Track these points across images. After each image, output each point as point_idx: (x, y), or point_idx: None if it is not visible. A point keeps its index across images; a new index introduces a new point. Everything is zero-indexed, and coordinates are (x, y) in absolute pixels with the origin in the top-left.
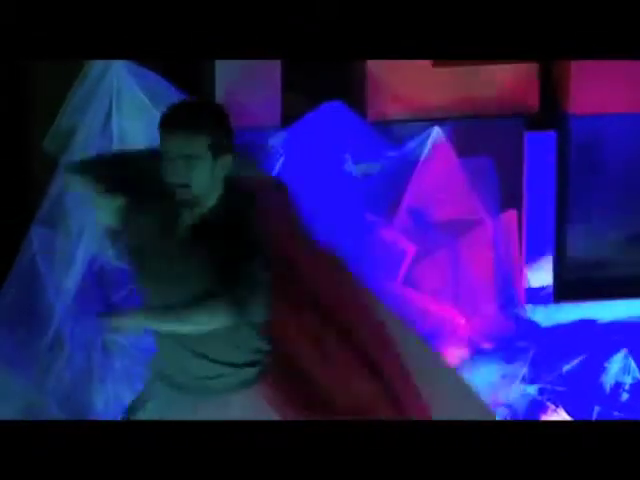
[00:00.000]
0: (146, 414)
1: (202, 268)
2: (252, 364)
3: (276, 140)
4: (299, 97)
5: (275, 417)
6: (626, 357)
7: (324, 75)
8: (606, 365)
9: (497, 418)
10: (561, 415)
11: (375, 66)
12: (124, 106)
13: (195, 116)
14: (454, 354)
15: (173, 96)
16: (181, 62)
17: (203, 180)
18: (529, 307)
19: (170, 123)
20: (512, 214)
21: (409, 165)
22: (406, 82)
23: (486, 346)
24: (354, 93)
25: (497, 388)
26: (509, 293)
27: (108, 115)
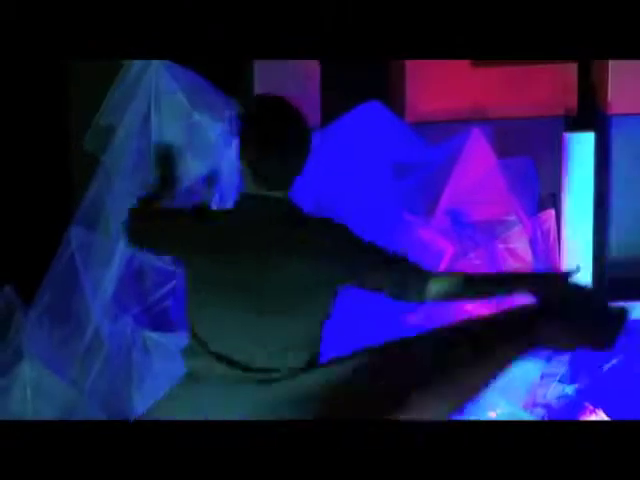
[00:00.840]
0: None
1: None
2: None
3: (315, 140)
4: (338, 97)
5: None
6: None
7: (363, 75)
8: None
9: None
10: (599, 416)
11: (414, 66)
12: (163, 106)
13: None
14: None
15: (212, 96)
16: (220, 62)
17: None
18: None
19: (285, 115)
20: (550, 214)
21: (448, 165)
22: (445, 82)
23: None
24: (393, 93)
25: (535, 388)
26: None
27: (147, 115)
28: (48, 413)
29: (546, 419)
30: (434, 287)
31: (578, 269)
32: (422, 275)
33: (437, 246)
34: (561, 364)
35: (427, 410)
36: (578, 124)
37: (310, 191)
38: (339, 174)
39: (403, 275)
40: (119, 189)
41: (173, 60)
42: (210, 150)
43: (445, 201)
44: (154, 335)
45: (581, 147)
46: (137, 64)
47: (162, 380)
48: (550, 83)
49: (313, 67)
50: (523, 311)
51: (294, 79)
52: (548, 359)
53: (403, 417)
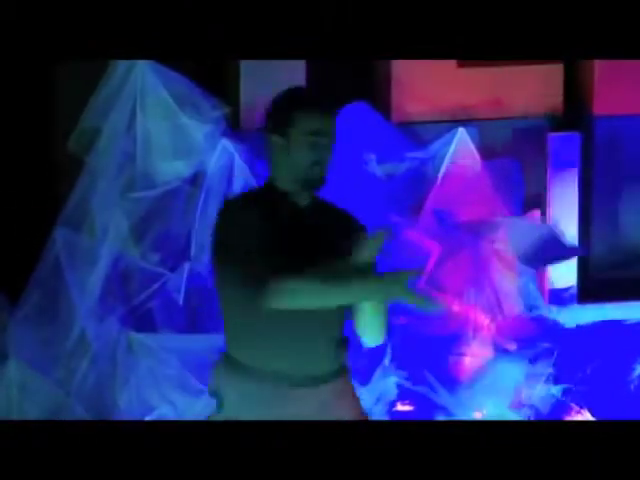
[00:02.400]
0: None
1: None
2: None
3: None
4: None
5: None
6: None
7: (348, 76)
8: (634, 366)
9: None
10: (585, 416)
11: (399, 67)
12: (148, 106)
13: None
14: (478, 355)
15: (197, 96)
16: (206, 62)
17: (329, 162)
18: (553, 308)
19: (329, 106)
20: (536, 215)
21: (433, 166)
22: (430, 83)
23: (510, 347)
24: (378, 94)
25: (521, 389)
26: (533, 294)
27: (132, 115)
28: (33, 413)
29: (532, 419)
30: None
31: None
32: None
33: (423, 246)
34: (547, 365)
35: None
36: (563, 124)
37: None
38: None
39: None
40: (104, 190)
41: (158, 60)
42: (196, 151)
43: (431, 202)
44: (139, 336)
45: (566, 147)
46: (122, 64)
47: (147, 380)
48: (535, 83)
49: (299, 67)
50: None
51: (280, 79)
52: (534, 360)
53: None
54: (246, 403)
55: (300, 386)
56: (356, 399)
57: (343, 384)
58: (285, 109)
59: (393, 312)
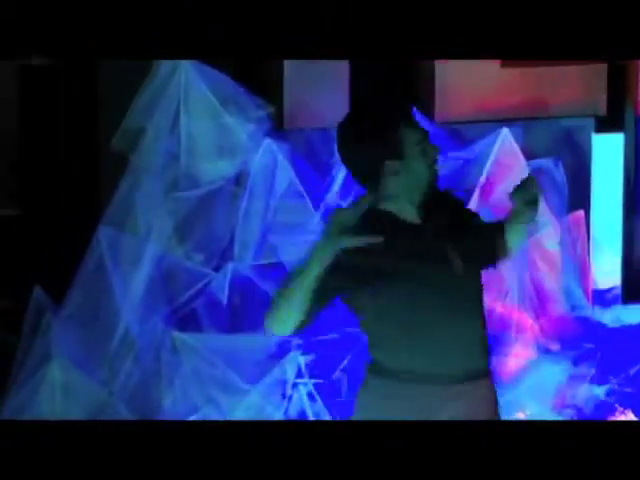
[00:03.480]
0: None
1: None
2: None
3: None
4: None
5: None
6: None
7: (392, 76)
8: None
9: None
10: (629, 416)
11: (442, 67)
12: (192, 106)
13: None
14: (521, 355)
15: (241, 96)
16: (250, 62)
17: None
18: (597, 308)
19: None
20: (580, 215)
21: (477, 166)
22: (474, 83)
23: (553, 347)
24: (421, 94)
25: (564, 390)
26: (577, 294)
27: (176, 115)
28: (76, 413)
29: (575, 419)
30: None
31: None
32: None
33: None
34: (590, 365)
35: None
36: (607, 125)
37: (343, 192)
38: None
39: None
40: (148, 189)
41: (203, 60)
42: (239, 151)
43: (475, 202)
44: (183, 336)
45: (610, 148)
46: (167, 64)
47: (191, 380)
48: (579, 84)
49: (343, 68)
50: None
51: (323, 79)
52: (577, 360)
53: None
54: (391, 405)
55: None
56: (495, 403)
57: (486, 386)
58: (386, 129)
59: None
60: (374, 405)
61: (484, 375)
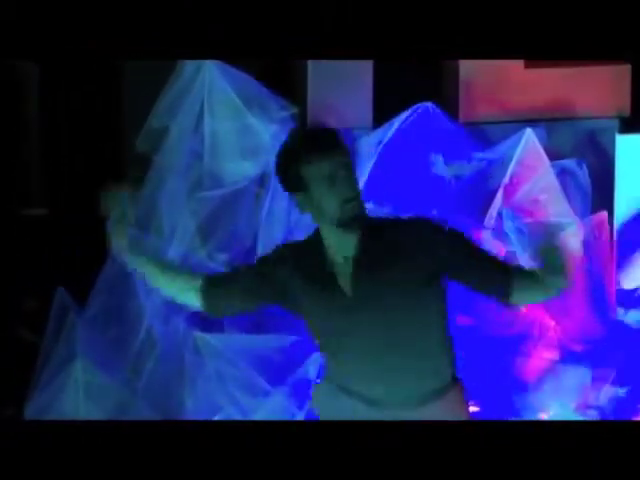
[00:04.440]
0: None
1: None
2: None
3: (367, 141)
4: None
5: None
6: None
7: (416, 76)
8: None
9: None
10: None
11: (467, 67)
12: (216, 106)
13: (336, 136)
14: (544, 356)
15: (264, 96)
16: (273, 63)
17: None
18: (620, 309)
19: (323, 145)
20: (603, 216)
21: (501, 167)
22: (498, 83)
23: (576, 348)
24: (446, 94)
25: (587, 391)
26: (600, 295)
27: (200, 115)
28: (99, 414)
29: (597, 419)
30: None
31: None
32: (508, 276)
33: (490, 247)
34: (614, 366)
35: None
36: (631, 126)
37: (366, 192)
38: (393, 175)
39: (490, 273)
40: (172, 189)
41: (226, 60)
42: (263, 151)
43: (498, 202)
44: (206, 336)
45: (634, 149)
46: (190, 65)
47: (213, 381)
48: (603, 84)
49: (366, 68)
50: None
51: (347, 80)
52: (600, 361)
53: None
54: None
55: (393, 409)
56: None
57: (450, 401)
58: (288, 168)
59: (460, 313)
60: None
61: (439, 395)
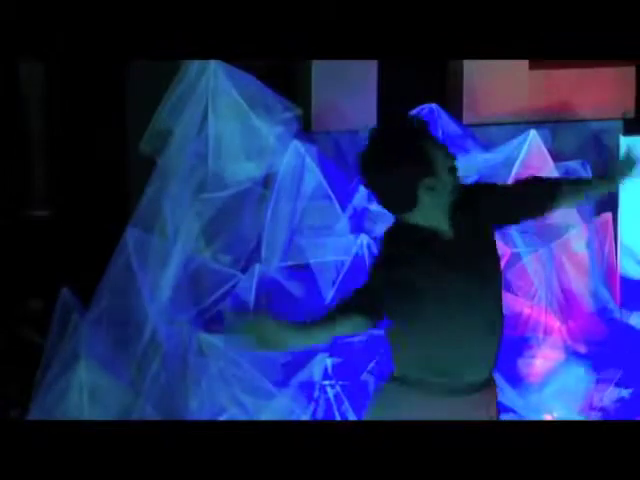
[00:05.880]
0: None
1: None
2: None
3: None
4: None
5: None
6: None
7: (420, 77)
8: None
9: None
10: None
11: (471, 68)
12: (220, 108)
13: None
14: (548, 357)
15: (269, 98)
16: (278, 64)
17: None
18: (624, 311)
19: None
20: (607, 218)
21: (505, 168)
22: (502, 85)
23: (581, 350)
24: (450, 96)
25: (591, 392)
26: (604, 297)
27: (204, 116)
28: (104, 414)
29: (599, 419)
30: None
31: None
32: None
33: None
34: (617, 368)
35: None
36: (635, 127)
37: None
38: None
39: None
40: (176, 191)
41: (230, 62)
42: (267, 152)
43: None
44: (210, 337)
45: (638, 150)
46: (194, 66)
47: (217, 382)
48: (607, 86)
49: (371, 69)
50: None
51: (351, 81)
52: (604, 363)
53: None
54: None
55: (455, 395)
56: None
57: (492, 394)
58: (410, 144)
59: None
60: (383, 411)
61: (491, 381)
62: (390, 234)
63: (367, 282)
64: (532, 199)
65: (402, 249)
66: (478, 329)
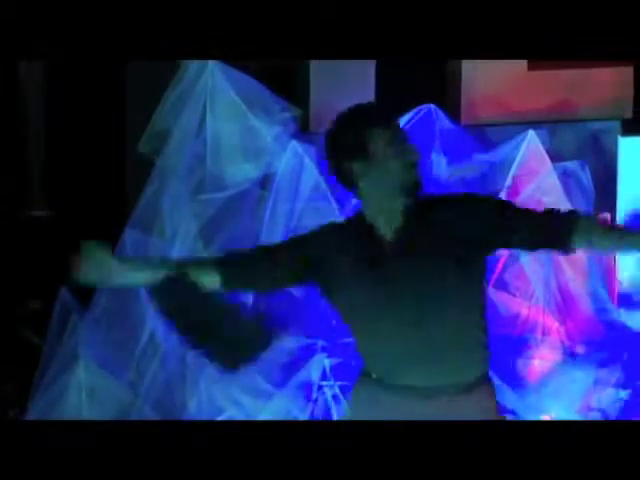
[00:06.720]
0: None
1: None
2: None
3: None
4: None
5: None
6: None
7: (418, 78)
8: None
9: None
10: None
11: (470, 68)
12: (218, 109)
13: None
14: (546, 358)
15: (267, 98)
16: (276, 64)
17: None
18: (622, 311)
19: (382, 113)
20: (606, 218)
21: (503, 168)
22: (500, 85)
23: (579, 350)
24: (448, 96)
25: (590, 393)
26: (602, 297)
27: (202, 117)
28: (102, 414)
29: (597, 420)
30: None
31: None
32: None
33: None
34: (616, 369)
35: None
36: (634, 128)
37: None
38: None
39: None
40: (174, 192)
41: (227, 61)
42: (265, 153)
43: None
44: None
45: (636, 151)
46: (193, 66)
47: (216, 383)
48: (606, 86)
49: (369, 69)
50: None
51: (349, 81)
52: (602, 364)
53: None
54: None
55: (432, 398)
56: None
57: (482, 397)
58: (347, 134)
59: None
60: (360, 411)
61: (478, 385)
62: (349, 218)
63: (294, 242)
64: (545, 232)
65: (343, 235)
66: (436, 333)
